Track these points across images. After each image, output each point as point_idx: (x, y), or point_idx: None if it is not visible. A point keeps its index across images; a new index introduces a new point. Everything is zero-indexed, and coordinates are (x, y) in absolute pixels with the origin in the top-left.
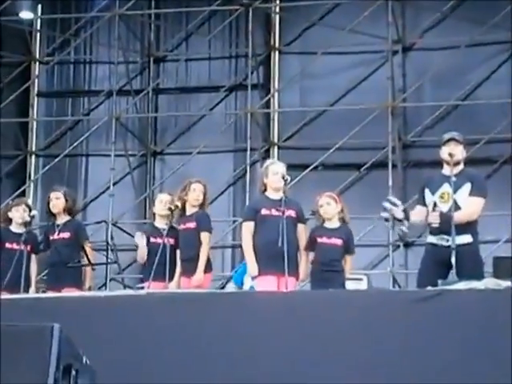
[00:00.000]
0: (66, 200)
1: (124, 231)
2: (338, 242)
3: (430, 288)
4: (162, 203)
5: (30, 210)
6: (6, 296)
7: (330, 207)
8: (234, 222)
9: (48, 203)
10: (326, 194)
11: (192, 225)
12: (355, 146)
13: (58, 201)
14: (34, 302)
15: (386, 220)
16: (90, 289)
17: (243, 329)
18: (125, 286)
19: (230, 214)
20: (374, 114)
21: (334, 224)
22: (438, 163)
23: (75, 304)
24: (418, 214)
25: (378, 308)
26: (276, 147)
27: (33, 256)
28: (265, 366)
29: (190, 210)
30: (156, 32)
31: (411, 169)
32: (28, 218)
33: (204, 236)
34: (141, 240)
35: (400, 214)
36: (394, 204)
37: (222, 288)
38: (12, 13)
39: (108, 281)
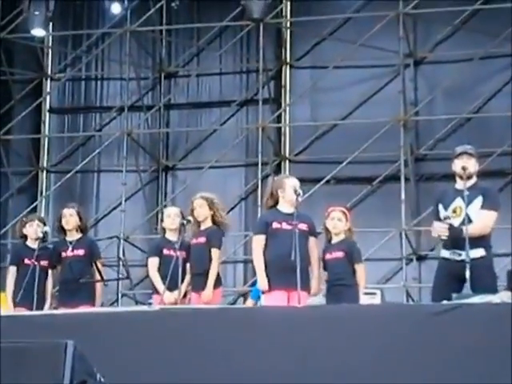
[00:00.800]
0: (80, 218)
1: (136, 247)
2: (340, 254)
3: (445, 302)
4: (170, 217)
5: (44, 225)
6: (19, 313)
7: (340, 223)
8: (246, 236)
9: (60, 219)
10: (340, 209)
11: (203, 240)
12: (367, 160)
13: (71, 218)
14: (48, 318)
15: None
16: (102, 305)
17: (255, 344)
18: (137, 302)
19: (242, 229)
20: (386, 128)
21: (339, 239)
22: (451, 176)
23: (89, 320)
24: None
25: (393, 322)
26: (287, 161)
27: (49, 271)
28: (276, 380)
29: (203, 225)
30: (167, 48)
31: (424, 182)
32: (41, 234)
33: (214, 252)
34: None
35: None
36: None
37: (234, 303)
38: (24, 30)
39: (120, 296)
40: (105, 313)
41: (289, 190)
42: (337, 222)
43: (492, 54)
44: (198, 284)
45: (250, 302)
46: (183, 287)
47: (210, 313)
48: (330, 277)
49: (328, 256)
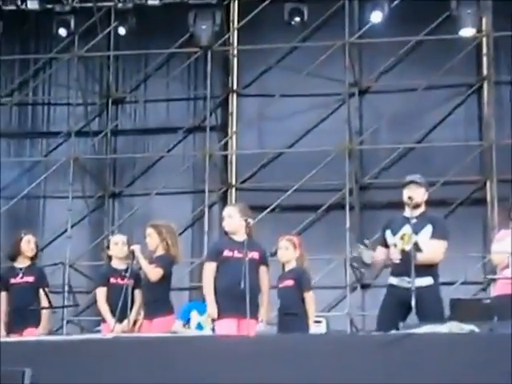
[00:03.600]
0: (37, 246)
1: (81, 273)
2: (290, 282)
3: (394, 332)
4: (117, 246)
5: None
6: None
7: (287, 252)
8: (192, 263)
9: (18, 245)
10: (287, 238)
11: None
12: (313, 188)
13: (33, 245)
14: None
15: (355, 260)
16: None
17: (207, 373)
18: (82, 329)
19: (189, 256)
20: (332, 157)
21: (290, 267)
22: (395, 205)
23: (41, 348)
24: (378, 254)
25: (342, 352)
26: (234, 189)
27: None
28: None
29: (156, 253)
30: (115, 73)
31: (368, 210)
32: None
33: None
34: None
35: (368, 259)
36: (367, 247)
37: None
38: None
39: (65, 323)
40: (57, 340)
41: (223, 220)
42: (284, 251)
43: (435, 85)
44: (149, 312)
45: (178, 324)
46: (132, 316)
47: (162, 341)
48: (279, 305)
49: (280, 284)
